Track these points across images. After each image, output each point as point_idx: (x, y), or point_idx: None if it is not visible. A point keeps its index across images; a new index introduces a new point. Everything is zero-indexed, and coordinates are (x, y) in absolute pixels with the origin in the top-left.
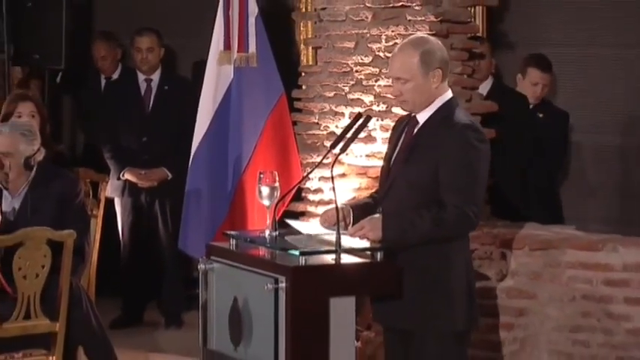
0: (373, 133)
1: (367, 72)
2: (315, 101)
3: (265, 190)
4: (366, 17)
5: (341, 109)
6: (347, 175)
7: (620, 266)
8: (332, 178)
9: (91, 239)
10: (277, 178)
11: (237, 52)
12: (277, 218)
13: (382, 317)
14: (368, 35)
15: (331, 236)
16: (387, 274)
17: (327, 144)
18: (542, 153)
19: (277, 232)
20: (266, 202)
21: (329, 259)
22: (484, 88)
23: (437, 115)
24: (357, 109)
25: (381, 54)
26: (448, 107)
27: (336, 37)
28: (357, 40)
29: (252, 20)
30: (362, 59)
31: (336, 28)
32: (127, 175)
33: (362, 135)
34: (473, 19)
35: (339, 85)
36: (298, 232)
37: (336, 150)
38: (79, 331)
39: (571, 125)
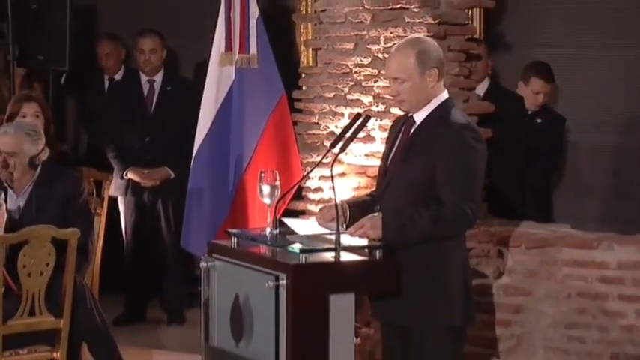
0: (372, 133)
1: (366, 73)
2: (315, 102)
3: (266, 189)
4: (365, 19)
5: (340, 109)
6: (346, 175)
7: (615, 264)
8: (332, 177)
9: (94, 237)
10: (278, 177)
11: (239, 53)
12: (278, 217)
13: (380, 314)
14: (367, 37)
15: (331, 234)
16: (385, 272)
17: (327, 144)
18: (538, 155)
19: (278, 230)
20: (267, 201)
21: (329, 256)
22: (481, 89)
23: (434, 115)
24: (357, 110)
25: (380, 55)
26: (445, 107)
27: (336, 39)
28: (357, 42)
29: (253, 22)
30: (361, 60)
31: (335, 29)
32: (130, 175)
33: (361, 135)
34: (470, 21)
35: (338, 85)
36: (295, 232)
37: (336, 150)
38: (83, 327)
39: (568, 126)
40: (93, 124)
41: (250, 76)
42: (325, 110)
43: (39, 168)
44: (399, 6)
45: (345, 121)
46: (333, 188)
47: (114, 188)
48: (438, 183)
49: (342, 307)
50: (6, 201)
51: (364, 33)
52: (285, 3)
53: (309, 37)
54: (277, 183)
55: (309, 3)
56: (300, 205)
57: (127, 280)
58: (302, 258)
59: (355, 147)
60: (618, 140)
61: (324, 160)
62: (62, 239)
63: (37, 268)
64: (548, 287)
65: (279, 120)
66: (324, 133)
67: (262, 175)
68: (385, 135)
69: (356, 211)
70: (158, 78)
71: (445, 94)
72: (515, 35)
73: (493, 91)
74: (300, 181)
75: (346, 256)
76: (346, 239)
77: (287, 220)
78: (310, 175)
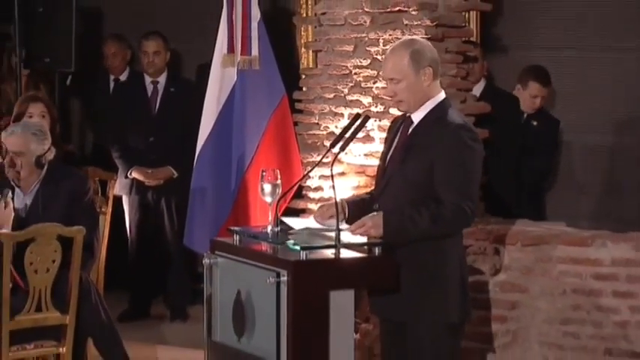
0: (371, 133)
1: (365, 74)
2: (315, 102)
3: (267, 188)
4: (365, 22)
5: (340, 110)
6: (346, 174)
7: (609, 261)
8: (332, 176)
9: (99, 235)
10: (279, 176)
11: (241, 55)
12: (279, 215)
13: (379, 310)
14: (366, 39)
15: (331, 232)
16: (384, 269)
17: (327, 143)
18: (534, 156)
19: (279, 228)
20: (268, 199)
21: (329, 253)
22: (477, 90)
23: (431, 116)
24: (356, 110)
25: (379, 57)
26: (442, 108)
27: (336, 41)
28: (356, 44)
29: (254, 24)
30: (360, 62)
31: (335, 32)
32: (135, 174)
33: (360, 135)
34: (467, 24)
35: (338, 86)
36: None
37: (336, 149)
38: (88, 323)
39: (562, 126)
40: (98, 124)
41: (252, 77)
42: (325, 111)
43: (45, 167)
44: (397, 9)
45: (344, 122)
46: (333, 187)
47: (118, 187)
48: (436, 182)
49: (341, 303)
50: (13, 199)
51: (363, 35)
52: (286, 6)
53: (310, 40)
54: (278, 182)
55: (310, 6)
56: (300, 204)
57: (131, 277)
58: (302, 255)
59: (355, 147)
60: (612, 140)
61: (324, 160)
62: (68, 237)
63: (44, 265)
64: (544, 284)
65: (280, 120)
66: (324, 133)
67: (264, 173)
68: (384, 135)
69: (355, 209)
70: (162, 79)
71: (442, 95)
72: (511, 37)
73: (489, 92)
74: (301, 180)
75: (346, 254)
76: (346, 237)
77: (286, 219)
78: (310, 174)
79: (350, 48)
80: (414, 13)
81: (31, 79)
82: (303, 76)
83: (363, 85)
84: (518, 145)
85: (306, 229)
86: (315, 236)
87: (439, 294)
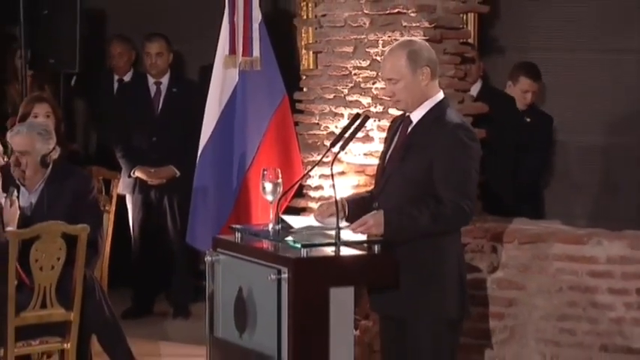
0: (371, 133)
1: (365, 75)
2: (315, 103)
3: (269, 186)
4: (364, 23)
5: (340, 110)
6: (346, 173)
7: (605, 259)
8: (332, 175)
9: (103, 233)
10: (280, 175)
11: (242, 56)
12: (280, 213)
13: (379, 306)
14: (366, 40)
15: (331, 230)
16: (384, 266)
17: (327, 143)
18: (527, 152)
19: (280, 226)
20: (269, 198)
21: (329, 251)
22: (473, 90)
23: (429, 115)
24: (356, 111)
25: (379, 58)
26: (440, 107)
27: (336, 42)
28: (356, 45)
29: (256, 26)
30: (360, 63)
31: (335, 33)
32: (138, 173)
33: (360, 135)
34: (465, 26)
35: (338, 87)
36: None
37: (336, 149)
38: (92, 320)
39: (558, 126)
40: (102, 124)
41: (253, 78)
42: (325, 111)
43: (50, 166)
44: (396, 11)
45: (344, 122)
46: (333, 186)
47: (122, 186)
48: (435, 181)
49: (341, 299)
50: (18, 198)
51: (363, 37)
52: (286, 8)
53: (310, 41)
54: (279, 180)
55: (310, 8)
56: (301, 203)
57: (134, 274)
58: (303, 252)
59: (354, 146)
60: (607, 140)
61: (325, 159)
62: (72, 235)
63: (49, 263)
64: (540, 281)
65: (281, 120)
66: (325, 133)
67: (265, 172)
68: (383, 135)
69: (354, 207)
70: (165, 80)
71: (440, 95)
72: (507, 39)
73: (485, 93)
74: (301, 179)
75: (346, 251)
76: (346, 234)
77: (286, 217)
78: (311, 173)
79: (350, 49)
80: (412, 15)
81: (35, 80)
82: (304, 77)
83: (362, 85)
84: (514, 144)
85: (307, 227)
86: (315, 234)
87: (438, 291)
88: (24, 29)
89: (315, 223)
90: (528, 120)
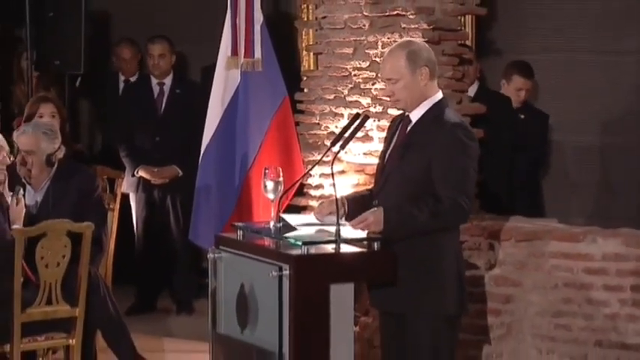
0: (370, 133)
1: (364, 76)
2: (316, 103)
3: (270, 185)
4: (364, 25)
5: (340, 110)
6: (346, 172)
7: (600, 256)
8: (332, 174)
9: (108, 231)
10: (281, 174)
11: (244, 57)
12: (281, 211)
13: (379, 302)
14: (365, 42)
15: (331, 227)
16: (383, 262)
17: (327, 143)
18: (524, 151)
19: (281, 224)
20: (271, 196)
21: (329, 248)
22: (470, 91)
23: (428, 115)
24: (355, 111)
25: (378, 59)
26: (439, 107)
27: (336, 44)
28: (355, 47)
29: (257, 28)
30: (360, 64)
31: (335, 35)
32: (141, 173)
33: (360, 134)
34: (463, 28)
35: (338, 88)
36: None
37: (336, 148)
38: (97, 316)
39: (555, 126)
40: (106, 124)
41: (255, 79)
42: (326, 111)
43: (55, 165)
44: (395, 13)
45: (344, 122)
46: (334, 185)
47: (126, 185)
48: (434, 179)
49: (341, 296)
50: (24, 196)
51: (363, 38)
52: (287, 10)
53: (311, 42)
54: (281, 179)
55: (311, 10)
56: (302, 201)
57: (138, 272)
58: (304, 249)
59: (354, 146)
60: (603, 140)
61: (325, 159)
62: (77, 232)
63: (54, 260)
64: (537, 278)
65: (282, 120)
66: (325, 132)
67: (266, 171)
68: (383, 135)
69: (354, 206)
70: (168, 81)
71: (439, 95)
72: (504, 41)
73: (482, 94)
74: (302, 177)
75: (346, 248)
76: (346, 232)
77: (285, 216)
78: (311, 172)
79: (349, 50)
80: (411, 16)
81: (41, 81)
82: (305, 78)
83: (362, 86)
84: (510, 143)
85: (307, 224)
86: (315, 232)
87: (437, 288)
88: (30, 31)
89: (315, 222)
90: (522, 117)
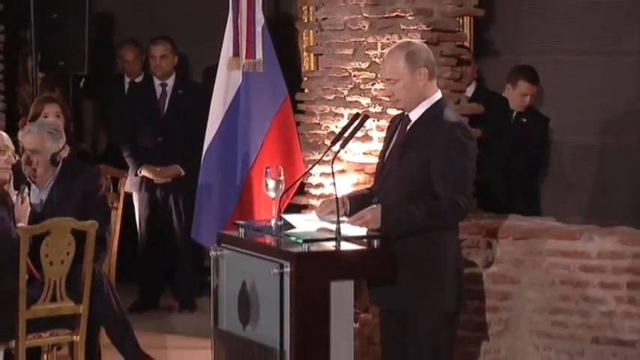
0: (370, 133)
1: (364, 77)
2: (316, 103)
3: (271, 183)
4: (364, 27)
5: (340, 110)
6: (346, 171)
7: (596, 254)
8: (332, 173)
9: (111, 229)
10: (282, 172)
11: (246, 58)
12: (282, 210)
13: (378, 300)
14: (365, 43)
15: (332, 225)
16: (383, 260)
17: (328, 142)
18: (525, 152)
19: (282, 222)
20: (272, 194)
21: (330, 246)
22: (468, 92)
23: (428, 114)
24: (355, 111)
25: (377, 60)
26: (438, 107)
27: (336, 45)
28: (355, 48)
29: (259, 29)
30: (359, 65)
31: (335, 36)
32: (144, 172)
33: (359, 134)
34: (461, 29)
35: (338, 88)
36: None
37: (336, 147)
38: (101, 313)
39: (552, 127)
40: (110, 124)
41: (256, 79)
42: (326, 111)
43: (60, 164)
44: (394, 14)
45: (344, 122)
46: (334, 184)
47: (129, 185)
48: (433, 178)
49: (342, 293)
50: (29, 195)
51: (362, 39)
52: (288, 11)
53: (311, 44)
54: (282, 178)
55: (311, 12)
56: (302, 200)
57: (141, 270)
58: (305, 247)
59: (354, 146)
60: (600, 141)
61: (325, 158)
62: (81, 230)
63: (58, 258)
64: (534, 276)
65: (283, 120)
66: (325, 132)
67: (268, 170)
68: (382, 134)
69: (356, 204)
70: (170, 82)
71: (438, 95)
72: (502, 42)
73: (479, 94)
74: (303, 176)
75: (346, 246)
76: (346, 229)
77: (286, 216)
78: (312, 171)
79: (349, 52)
80: (410, 18)
81: (46, 81)
82: (305, 79)
83: (362, 86)
84: (508, 144)
85: (308, 222)
86: (316, 229)
87: (436, 285)
88: (34, 33)
89: (317, 221)
90: (525, 120)
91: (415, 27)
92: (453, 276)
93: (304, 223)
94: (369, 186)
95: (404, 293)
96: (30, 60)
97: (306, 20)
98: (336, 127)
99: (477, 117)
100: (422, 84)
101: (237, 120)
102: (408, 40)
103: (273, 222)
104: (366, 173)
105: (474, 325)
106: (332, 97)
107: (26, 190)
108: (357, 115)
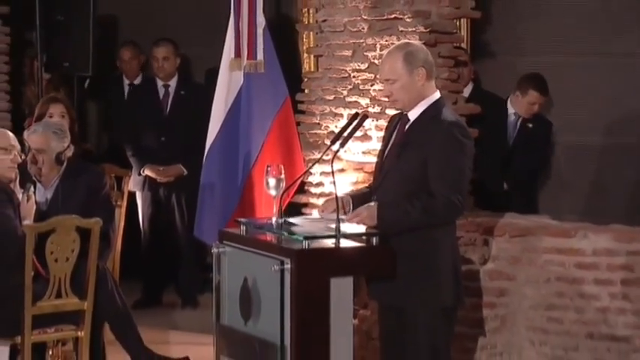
0: (369, 132)
1: (363, 77)
2: (316, 104)
3: (272, 182)
4: (363, 28)
5: (340, 110)
6: (345, 170)
7: (591, 251)
8: (332, 172)
9: (115, 227)
10: (283, 171)
11: (247, 59)
12: (282, 208)
13: (377, 296)
14: (364, 44)
15: (331, 223)
16: (382, 257)
17: (327, 142)
18: (527, 154)
19: (283, 220)
20: (273, 192)
21: (329, 243)
22: (465, 92)
23: (426, 114)
24: (355, 111)
25: (376, 61)
26: (436, 107)
27: (336, 46)
28: (355, 49)
29: (260, 31)
30: (359, 66)
31: (335, 38)
32: (147, 171)
33: (359, 134)
34: (458, 30)
35: (338, 89)
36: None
37: (335, 147)
38: (105, 309)
39: None
40: (114, 125)
41: (257, 80)
42: (326, 111)
43: (65, 163)
44: (393, 16)
45: (344, 122)
46: (334, 183)
47: (132, 184)
48: (429, 176)
49: (341, 289)
50: (35, 193)
51: (361, 41)
52: (289, 13)
53: (311, 45)
54: (282, 176)
55: (311, 14)
56: (303, 199)
57: (144, 267)
58: (305, 244)
59: (353, 145)
60: (597, 141)
61: (325, 157)
62: (86, 228)
63: (63, 255)
64: (530, 272)
65: (284, 120)
66: (325, 132)
67: (269, 168)
68: (381, 134)
69: (358, 203)
70: (173, 83)
71: (437, 95)
72: (499, 44)
73: (476, 95)
74: (303, 175)
75: (345, 243)
76: (345, 226)
77: (291, 220)
78: (312, 170)
79: (349, 53)
80: (408, 20)
81: (51, 82)
82: (305, 79)
83: (361, 87)
84: (504, 143)
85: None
86: (316, 227)
87: (433, 280)
88: (40, 34)
89: (318, 220)
90: (530, 126)
91: (413, 29)
92: (451, 272)
93: (307, 223)
94: (368, 184)
95: (402, 289)
96: (35, 61)
97: (306, 22)
98: (336, 126)
99: (473, 117)
100: (420, 84)
101: (239, 120)
102: (406, 41)
103: (274, 220)
104: (365, 172)
105: (471, 321)
106: (332, 97)
107: (32, 188)
108: (356, 115)
